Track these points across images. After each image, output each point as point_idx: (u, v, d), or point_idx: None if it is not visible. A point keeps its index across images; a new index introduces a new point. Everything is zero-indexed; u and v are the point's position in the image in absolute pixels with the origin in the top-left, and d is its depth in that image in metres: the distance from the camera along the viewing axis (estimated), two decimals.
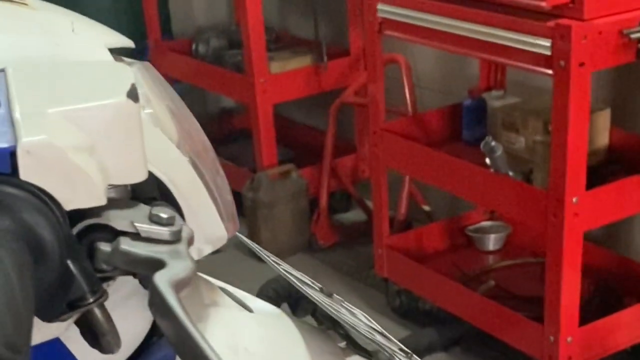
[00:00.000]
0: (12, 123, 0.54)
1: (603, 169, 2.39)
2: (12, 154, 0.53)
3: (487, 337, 2.52)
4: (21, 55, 0.62)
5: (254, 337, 0.81)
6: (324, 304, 0.88)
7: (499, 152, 2.42)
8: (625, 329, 2.43)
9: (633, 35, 2.03)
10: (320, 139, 3.43)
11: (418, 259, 2.82)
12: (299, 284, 0.91)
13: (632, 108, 2.58)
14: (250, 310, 0.85)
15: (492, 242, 2.92)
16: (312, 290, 0.94)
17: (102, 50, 0.68)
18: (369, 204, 3.12)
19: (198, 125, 0.77)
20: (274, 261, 0.96)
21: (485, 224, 3.00)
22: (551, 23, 2.03)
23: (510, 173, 2.42)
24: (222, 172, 0.75)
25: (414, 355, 0.91)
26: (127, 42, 0.73)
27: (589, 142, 2.20)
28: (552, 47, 2.03)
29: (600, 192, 2.21)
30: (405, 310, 2.90)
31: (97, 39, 0.70)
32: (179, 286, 0.55)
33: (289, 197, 3.29)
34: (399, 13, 2.47)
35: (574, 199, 2.16)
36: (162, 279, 0.54)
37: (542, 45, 2.06)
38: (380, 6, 2.52)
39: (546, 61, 2.07)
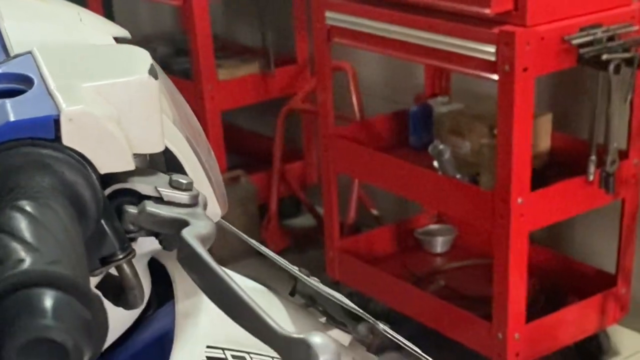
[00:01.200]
0: (50, 96, 0.62)
1: (546, 172, 2.52)
2: (55, 121, 0.60)
3: (438, 336, 2.63)
4: (42, 40, 0.70)
5: None
6: (307, 279, 0.97)
7: (447, 155, 2.54)
8: (570, 326, 2.57)
9: (574, 41, 2.17)
10: (269, 146, 3.53)
11: (368, 262, 2.92)
12: (283, 262, 1.00)
13: (573, 112, 2.73)
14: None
15: (440, 244, 3.04)
16: (293, 268, 1.03)
17: (108, 37, 0.77)
18: (318, 209, 3.22)
19: (191, 110, 0.86)
20: (252, 243, 1.05)
21: (433, 227, 3.12)
22: (496, 30, 2.16)
23: (458, 176, 2.55)
24: (213, 153, 0.83)
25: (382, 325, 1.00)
26: (126, 33, 0.82)
27: (532, 146, 2.33)
28: (497, 52, 2.16)
29: (544, 193, 2.34)
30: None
31: (103, 28, 0.79)
32: (204, 241, 0.62)
33: (238, 202, 3.38)
34: (346, 20, 2.58)
35: (519, 200, 2.28)
36: (189, 234, 0.62)
37: (487, 51, 2.18)
38: (328, 14, 2.63)
39: (491, 66, 2.19)
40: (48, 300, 0.51)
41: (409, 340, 2.72)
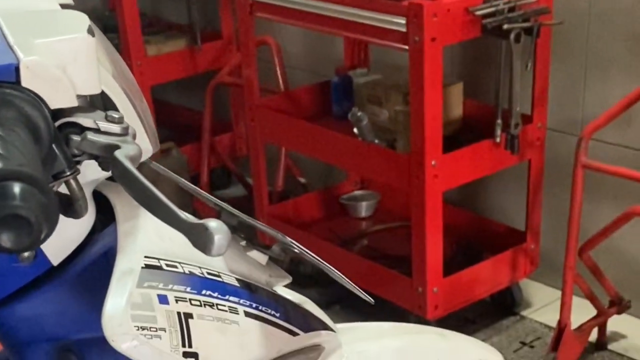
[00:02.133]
0: (10, 49, 0.83)
1: (459, 137, 2.73)
2: (15, 69, 0.81)
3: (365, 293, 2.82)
4: (2, 7, 0.91)
5: (174, 230, 1.03)
6: (228, 209, 1.14)
7: (365, 121, 2.74)
8: (485, 280, 2.80)
9: (477, 12, 2.38)
10: (198, 119, 3.70)
11: (297, 227, 3.11)
12: (209, 197, 1.17)
13: (482, 80, 2.95)
14: None
15: (364, 209, 3.25)
16: (218, 202, 1.20)
17: (55, 4, 0.98)
18: (248, 179, 3.40)
19: (126, 66, 1.05)
20: (182, 182, 1.22)
21: (358, 192, 3.33)
22: (405, 3, 2.37)
23: (376, 141, 2.75)
24: (145, 102, 1.02)
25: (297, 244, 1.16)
26: (69, 1, 1.02)
27: (445, 113, 2.54)
28: (407, 24, 2.36)
29: (456, 155, 2.56)
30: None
31: None
32: (132, 160, 0.83)
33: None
34: None
35: (433, 162, 2.50)
36: (120, 154, 0.82)
37: (398, 23, 2.39)
38: None
39: (402, 38, 2.40)
40: (17, 189, 0.73)
41: (339, 299, 2.91)
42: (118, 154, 0.82)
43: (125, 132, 0.86)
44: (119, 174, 0.82)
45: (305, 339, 1.12)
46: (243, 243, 1.11)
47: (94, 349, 0.94)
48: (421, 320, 2.67)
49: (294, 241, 1.08)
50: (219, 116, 3.77)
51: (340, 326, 1.27)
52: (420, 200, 2.55)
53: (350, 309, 2.97)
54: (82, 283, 0.95)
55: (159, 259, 0.96)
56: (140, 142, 0.92)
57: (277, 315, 1.07)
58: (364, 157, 2.71)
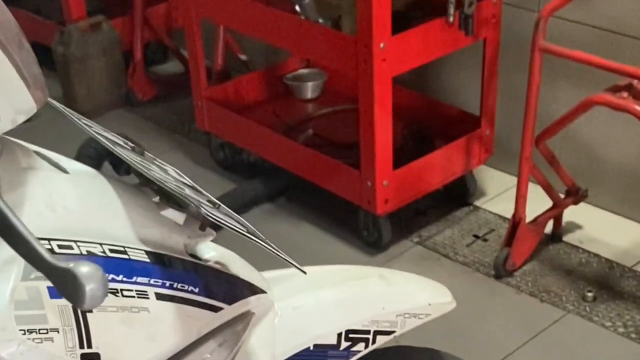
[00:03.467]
0: None
1: (409, 14, 2.60)
2: None
3: (310, 186, 2.75)
4: None
5: (71, 196, 0.94)
6: (134, 162, 1.03)
7: None
8: (438, 169, 2.71)
9: None
10: None
11: (238, 110, 2.99)
12: (109, 144, 1.06)
13: None
14: (66, 171, 0.99)
15: (309, 90, 3.13)
16: (123, 149, 1.09)
17: None
18: (186, 54, 3.25)
19: (3, 6, 0.91)
20: (85, 123, 1.10)
21: (303, 71, 3.19)
22: None
23: (320, 20, 2.61)
24: (27, 45, 0.89)
25: (222, 205, 1.06)
26: None
27: None
28: None
29: (405, 37, 2.43)
30: (230, 163, 3.09)
31: None
32: None
33: (101, 50, 3.38)
34: None
35: (381, 45, 2.37)
36: None
37: None
38: None
39: None
40: None
41: (284, 190, 2.79)
42: None
43: None
44: None
45: (230, 311, 1.03)
46: (156, 199, 1.02)
47: None
48: (370, 216, 2.60)
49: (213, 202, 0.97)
50: None
51: (276, 274, 1.19)
52: (368, 86, 2.43)
53: (296, 201, 2.89)
54: None
55: (49, 240, 0.85)
56: (21, 100, 0.81)
57: (196, 291, 0.97)
58: (306, 37, 2.58)
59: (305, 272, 1.05)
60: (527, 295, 2.45)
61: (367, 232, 2.66)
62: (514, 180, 2.54)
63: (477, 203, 2.85)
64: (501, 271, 2.52)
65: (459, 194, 2.86)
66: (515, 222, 2.50)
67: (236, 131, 2.95)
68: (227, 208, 1.07)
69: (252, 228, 1.06)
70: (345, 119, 2.97)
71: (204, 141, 3.15)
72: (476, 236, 2.71)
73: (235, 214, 1.08)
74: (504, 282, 2.51)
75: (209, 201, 1.05)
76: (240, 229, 0.97)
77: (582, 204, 2.64)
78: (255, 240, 0.99)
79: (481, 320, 2.38)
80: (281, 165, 2.84)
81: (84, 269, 0.67)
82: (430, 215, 2.80)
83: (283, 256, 1.01)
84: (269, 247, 1.00)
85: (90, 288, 0.67)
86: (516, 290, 2.48)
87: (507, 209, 2.63)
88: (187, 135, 3.32)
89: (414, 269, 2.55)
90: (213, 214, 0.95)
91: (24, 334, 0.79)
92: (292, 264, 1.03)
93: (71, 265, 0.68)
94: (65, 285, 0.68)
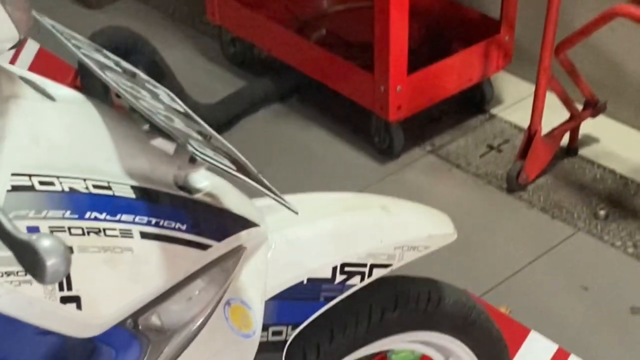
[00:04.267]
0: None
1: None
2: None
3: (322, 87, 2.71)
4: None
5: (56, 127, 0.91)
6: (122, 89, 0.99)
7: None
8: (454, 75, 2.66)
9: None
10: None
11: (250, 4, 2.92)
12: (97, 68, 1.01)
13: None
14: (52, 98, 0.95)
15: None
16: (113, 73, 1.05)
17: None
18: None
19: None
20: (74, 44, 1.06)
21: None
22: None
23: None
24: None
25: (214, 136, 1.02)
26: None
27: None
28: None
29: None
30: (241, 59, 3.05)
31: None
32: None
33: None
34: None
35: None
36: None
37: None
38: None
39: None
40: None
41: (295, 89, 2.72)
42: None
43: None
44: None
45: (220, 248, 1.00)
46: (146, 127, 0.98)
47: None
48: (383, 122, 2.57)
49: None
50: None
51: (271, 202, 1.15)
52: None
53: (307, 102, 2.86)
54: None
55: (30, 176, 0.82)
56: (3, 30, 0.79)
57: (184, 228, 0.94)
58: None
59: (297, 213, 1.02)
60: (538, 210, 2.44)
61: (379, 138, 2.63)
62: (532, 88, 2.49)
63: (493, 111, 2.81)
64: (514, 185, 2.50)
65: (475, 101, 2.81)
66: (531, 135, 2.47)
67: (247, 26, 2.90)
68: (219, 138, 1.03)
69: (244, 160, 1.02)
70: (361, 18, 2.90)
71: (215, 35, 3.10)
72: (490, 146, 2.67)
73: (228, 145, 1.03)
74: (516, 196, 2.49)
75: (200, 132, 1.00)
76: (229, 167, 0.93)
77: (600, 117, 2.60)
78: (244, 179, 0.94)
79: (490, 234, 2.37)
80: (292, 64, 2.79)
81: (46, 243, 0.65)
82: (444, 122, 2.76)
83: (276, 197, 0.99)
84: (261, 186, 0.97)
85: (51, 263, 0.65)
86: (528, 205, 2.46)
87: (523, 118, 2.59)
88: (197, 28, 3.26)
89: (425, 178, 2.54)
90: (200, 151, 0.90)
91: (1, 276, 0.77)
92: (284, 205, 1.00)
93: (33, 237, 0.65)
94: (25, 258, 0.66)
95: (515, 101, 2.83)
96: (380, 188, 2.48)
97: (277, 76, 2.89)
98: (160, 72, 2.57)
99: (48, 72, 1.55)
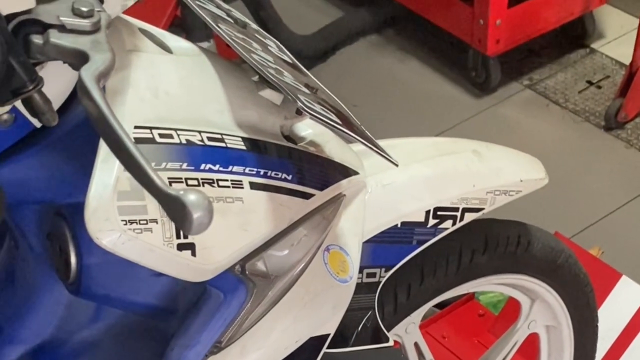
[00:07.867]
0: None
1: None
2: None
3: (419, 19, 2.78)
4: None
5: (173, 79, 0.98)
6: (233, 41, 1.06)
7: None
8: (555, 8, 2.70)
9: None
10: None
11: None
12: (209, 19, 1.09)
13: None
14: (169, 51, 1.02)
15: None
16: (225, 24, 1.12)
17: None
18: None
19: None
20: None
21: None
22: None
23: None
24: None
25: (320, 88, 1.08)
26: None
27: None
28: None
29: None
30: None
31: None
32: (100, 76, 0.76)
33: None
34: None
35: None
36: (87, 74, 0.75)
37: None
38: None
39: None
40: None
41: (391, 21, 2.74)
42: (84, 73, 0.75)
43: (95, 28, 0.79)
44: (82, 96, 0.75)
45: (321, 197, 1.07)
46: (255, 78, 1.05)
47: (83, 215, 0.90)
48: (480, 55, 2.63)
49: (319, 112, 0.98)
50: None
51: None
52: None
53: (403, 34, 2.92)
54: (67, 146, 0.93)
55: (150, 129, 0.90)
56: None
57: (289, 178, 1.01)
58: None
59: (397, 165, 1.09)
60: (636, 150, 2.48)
61: (476, 72, 2.70)
62: (636, 22, 2.51)
63: (594, 45, 2.84)
64: (612, 122, 2.55)
65: (575, 35, 2.85)
66: (632, 71, 2.50)
67: None
68: (325, 90, 1.09)
69: (349, 112, 1.08)
70: None
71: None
72: (590, 82, 2.72)
73: (334, 97, 1.09)
74: (614, 134, 2.54)
75: (307, 85, 1.06)
76: (336, 122, 0.99)
77: None
78: (349, 134, 1.00)
79: (585, 173, 2.43)
80: None
81: (192, 197, 0.71)
82: (543, 56, 2.81)
83: (378, 150, 1.05)
84: (365, 139, 1.02)
85: (197, 216, 0.72)
86: (626, 144, 2.51)
87: (625, 54, 2.62)
88: None
89: (521, 113, 2.60)
90: (309, 107, 0.96)
91: (125, 224, 0.85)
92: (386, 157, 1.06)
93: (181, 192, 0.72)
94: (174, 211, 0.72)
95: (617, 35, 2.86)
96: (476, 122, 2.55)
97: (374, 7, 2.95)
98: (258, 3, 2.67)
99: (148, 1, 1.60)
